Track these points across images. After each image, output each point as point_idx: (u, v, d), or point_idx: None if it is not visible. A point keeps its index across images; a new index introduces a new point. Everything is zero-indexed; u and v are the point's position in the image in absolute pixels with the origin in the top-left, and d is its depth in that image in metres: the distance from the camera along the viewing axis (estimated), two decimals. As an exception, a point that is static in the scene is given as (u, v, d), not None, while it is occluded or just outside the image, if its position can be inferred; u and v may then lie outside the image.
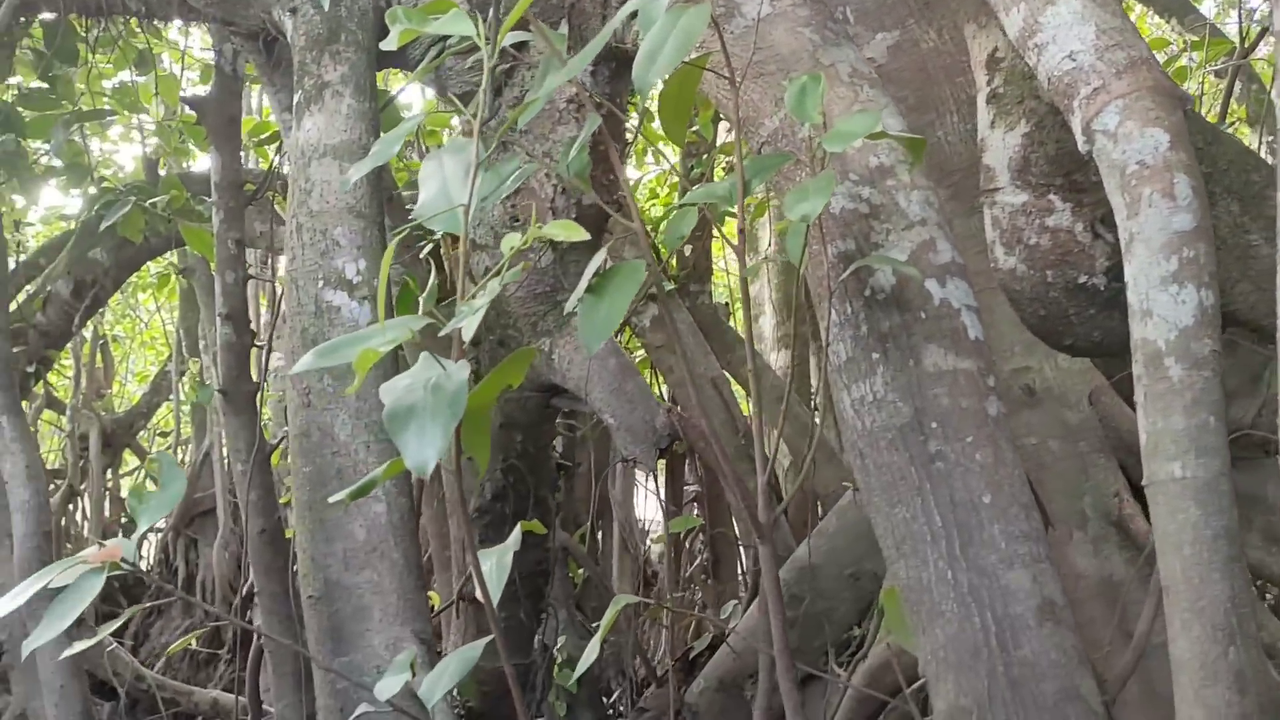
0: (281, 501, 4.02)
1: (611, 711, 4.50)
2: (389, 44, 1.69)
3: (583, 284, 1.74)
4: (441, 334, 1.34)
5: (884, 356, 1.99)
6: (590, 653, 1.89)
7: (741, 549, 5.05)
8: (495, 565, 1.51)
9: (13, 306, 6.23)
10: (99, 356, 9.82)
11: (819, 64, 2.17)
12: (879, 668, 3.20)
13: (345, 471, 2.24)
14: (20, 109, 3.78)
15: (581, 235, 1.42)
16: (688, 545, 6.19)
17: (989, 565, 1.83)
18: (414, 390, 1.30)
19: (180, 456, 10.24)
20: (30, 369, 5.80)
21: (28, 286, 6.35)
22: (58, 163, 4.72)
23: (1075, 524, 2.89)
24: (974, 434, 1.92)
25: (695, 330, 4.75)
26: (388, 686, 1.54)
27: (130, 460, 10.79)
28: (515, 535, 1.57)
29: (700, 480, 5.67)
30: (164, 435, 11.65)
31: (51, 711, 2.85)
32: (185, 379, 9.29)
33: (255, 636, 3.72)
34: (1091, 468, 2.93)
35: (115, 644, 5.50)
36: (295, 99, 2.49)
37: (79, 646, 1.50)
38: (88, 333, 8.88)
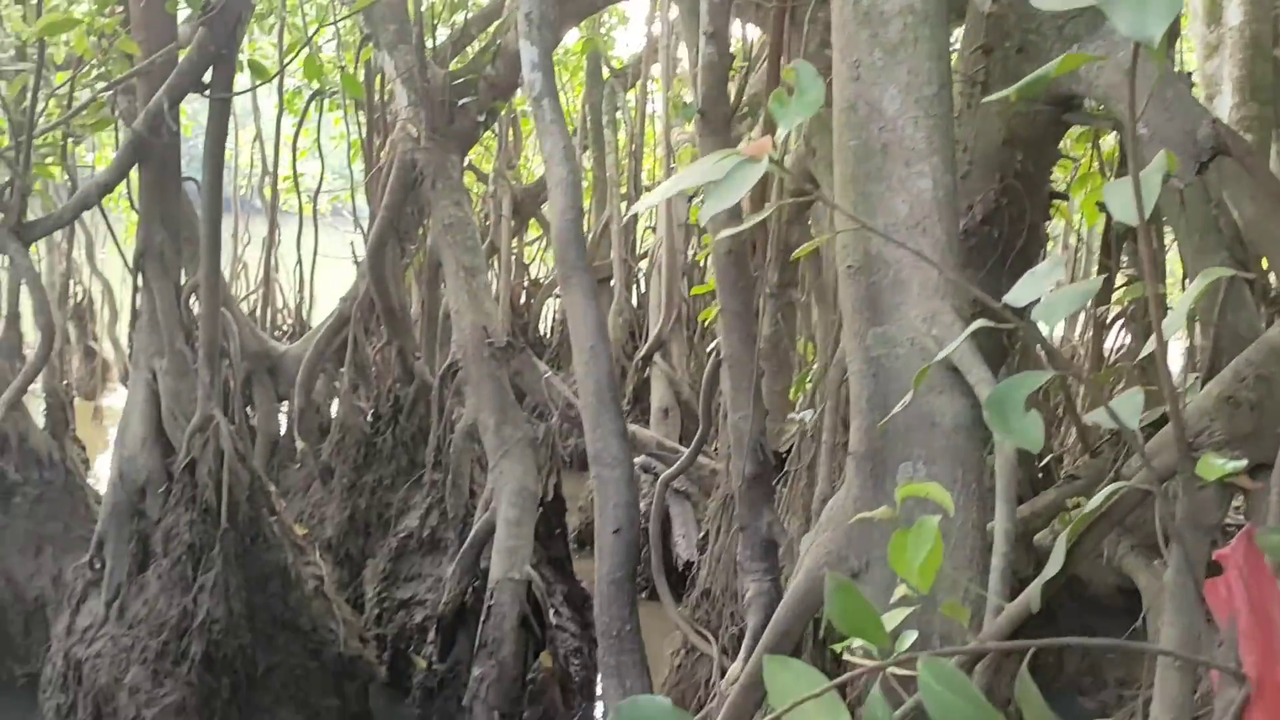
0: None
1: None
2: None
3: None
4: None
5: None
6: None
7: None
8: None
9: (465, 60, 6.72)
10: (509, 131, 10.50)
11: None
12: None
13: (890, 146, 2.22)
14: None
15: None
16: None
17: None
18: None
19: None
20: (480, 118, 6.25)
21: (480, 38, 6.81)
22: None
23: None
24: None
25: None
26: (1023, 293, 1.52)
27: (534, 230, 11.60)
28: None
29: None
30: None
31: (581, 370, 3.15)
32: (589, 153, 9.76)
33: (715, 353, 3.94)
34: None
35: (549, 373, 6.02)
36: None
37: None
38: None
